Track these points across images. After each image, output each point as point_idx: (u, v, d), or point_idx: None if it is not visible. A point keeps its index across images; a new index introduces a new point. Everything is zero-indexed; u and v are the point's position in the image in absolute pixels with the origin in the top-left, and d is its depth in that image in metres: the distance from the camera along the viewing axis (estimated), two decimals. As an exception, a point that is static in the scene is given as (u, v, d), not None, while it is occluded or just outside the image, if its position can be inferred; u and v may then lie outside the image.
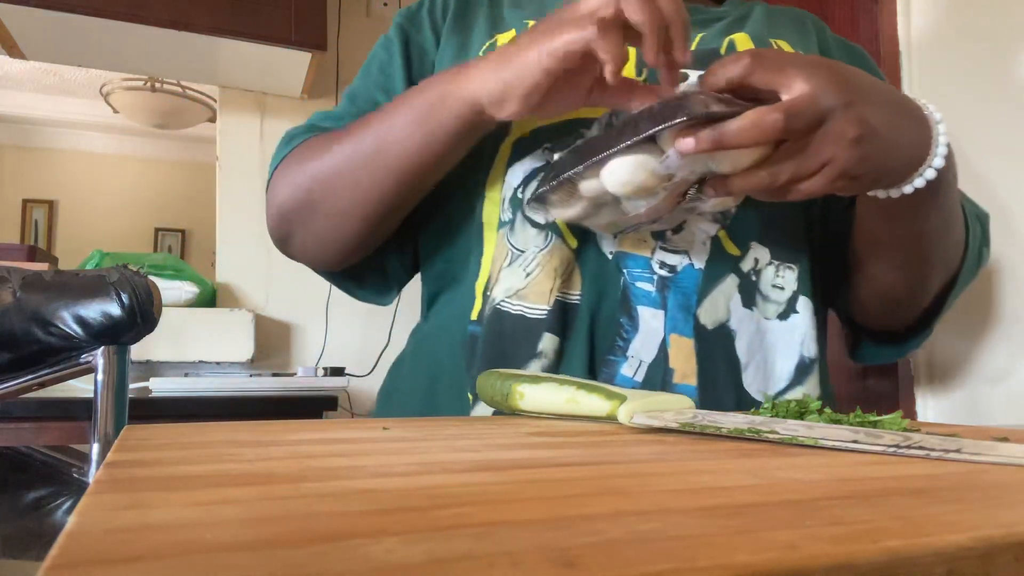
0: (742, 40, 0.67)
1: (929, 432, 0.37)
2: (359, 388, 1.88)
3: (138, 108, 3.01)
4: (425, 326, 0.70)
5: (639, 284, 0.60)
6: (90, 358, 0.68)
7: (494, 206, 0.63)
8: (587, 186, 0.52)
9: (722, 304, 0.60)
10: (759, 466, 0.28)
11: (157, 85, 2.90)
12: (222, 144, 2.01)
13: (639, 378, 0.58)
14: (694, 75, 0.57)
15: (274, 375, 1.76)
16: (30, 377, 0.67)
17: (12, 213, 4.09)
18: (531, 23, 0.66)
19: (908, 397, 1.10)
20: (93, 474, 0.56)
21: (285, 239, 0.70)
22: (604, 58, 0.48)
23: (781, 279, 0.62)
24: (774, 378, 0.61)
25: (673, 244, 0.60)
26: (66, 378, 0.70)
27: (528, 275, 0.59)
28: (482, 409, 0.58)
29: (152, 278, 0.69)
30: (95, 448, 0.68)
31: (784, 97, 0.48)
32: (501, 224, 0.62)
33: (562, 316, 0.59)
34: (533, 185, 0.60)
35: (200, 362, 1.76)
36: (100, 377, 0.68)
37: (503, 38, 0.67)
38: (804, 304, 0.62)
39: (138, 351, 1.67)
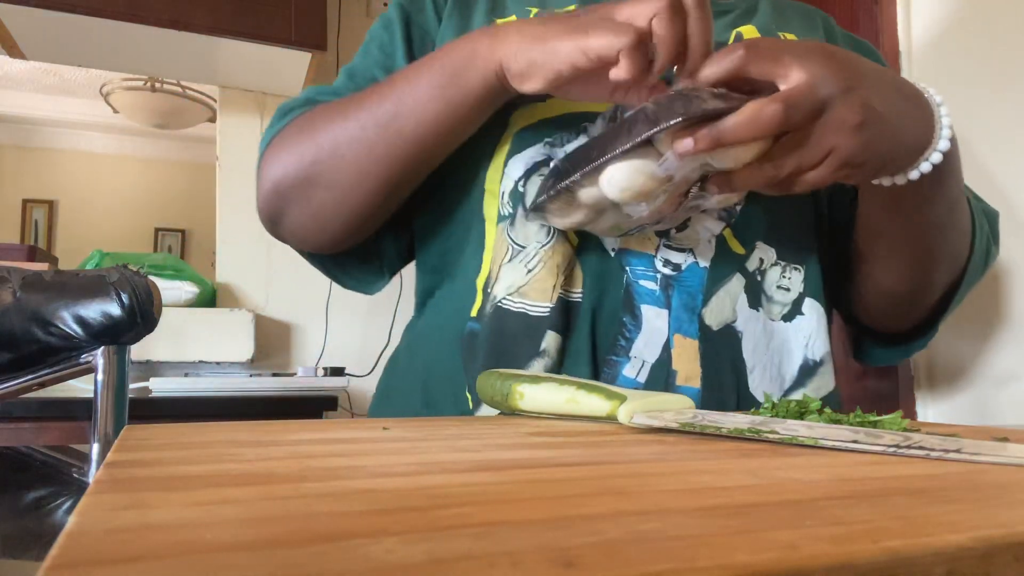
0: (749, 32, 0.66)
1: (929, 432, 0.37)
2: (359, 388, 1.88)
3: (138, 108, 3.01)
4: (420, 322, 0.68)
5: (642, 282, 0.58)
6: (90, 358, 0.68)
7: (494, 199, 0.61)
8: (586, 193, 0.51)
9: (728, 304, 0.59)
10: (759, 466, 0.28)
11: (157, 85, 2.90)
12: (222, 144, 2.01)
13: (642, 379, 0.57)
14: None
15: (274, 375, 1.76)
16: (30, 377, 0.67)
17: (12, 213, 4.09)
18: (533, 10, 0.65)
19: (908, 398, 1.10)
20: (93, 474, 0.56)
21: (278, 217, 0.66)
22: (624, 76, 0.48)
23: (787, 280, 0.61)
24: (780, 381, 0.60)
25: (677, 242, 0.59)
26: (66, 378, 0.70)
27: (530, 271, 0.58)
28: (486, 412, 0.56)
29: (152, 278, 0.69)
30: (95, 448, 0.68)
31: (782, 87, 0.47)
32: (501, 218, 0.60)
33: (564, 314, 0.57)
34: (532, 191, 0.59)
35: (200, 362, 1.76)
36: (100, 377, 0.68)
37: (503, 24, 0.67)
38: (810, 306, 0.61)
39: (138, 351, 1.67)
